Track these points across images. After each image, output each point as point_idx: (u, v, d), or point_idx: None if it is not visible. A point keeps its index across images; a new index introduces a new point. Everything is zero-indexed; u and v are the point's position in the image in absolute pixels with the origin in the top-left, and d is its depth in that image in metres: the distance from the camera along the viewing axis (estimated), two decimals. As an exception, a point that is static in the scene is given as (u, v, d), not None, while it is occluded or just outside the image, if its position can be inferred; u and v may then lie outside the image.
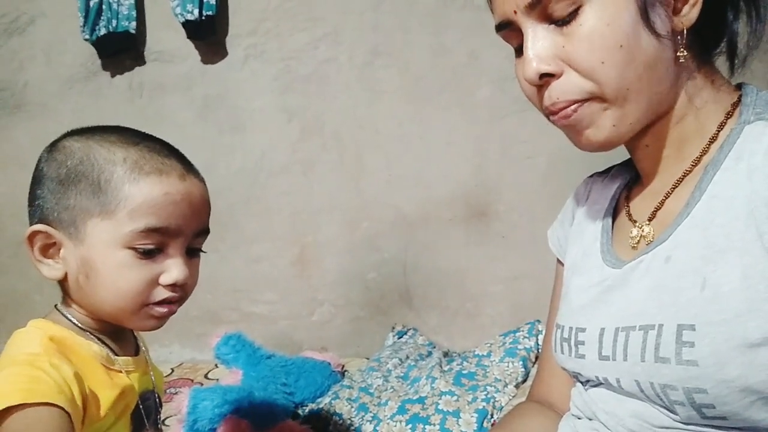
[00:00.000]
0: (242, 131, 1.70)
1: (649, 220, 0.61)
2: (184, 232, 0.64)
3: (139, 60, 1.74)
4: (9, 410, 0.52)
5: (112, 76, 1.77)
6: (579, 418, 0.63)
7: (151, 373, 0.71)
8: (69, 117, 1.77)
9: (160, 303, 0.64)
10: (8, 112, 1.85)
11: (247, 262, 1.73)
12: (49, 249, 0.63)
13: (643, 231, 0.61)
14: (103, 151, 0.62)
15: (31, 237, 0.63)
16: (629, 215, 0.64)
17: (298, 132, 1.66)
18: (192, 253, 0.67)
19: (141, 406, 0.66)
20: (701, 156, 0.57)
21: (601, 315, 0.59)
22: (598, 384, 0.59)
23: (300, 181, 1.67)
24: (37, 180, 0.64)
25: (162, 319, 0.66)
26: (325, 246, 1.67)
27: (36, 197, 0.64)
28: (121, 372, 0.65)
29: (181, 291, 0.65)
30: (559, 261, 0.78)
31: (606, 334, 0.57)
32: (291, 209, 1.69)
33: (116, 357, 0.65)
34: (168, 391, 1.41)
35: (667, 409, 0.51)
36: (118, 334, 0.68)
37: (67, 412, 0.54)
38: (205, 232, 0.67)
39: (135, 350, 0.71)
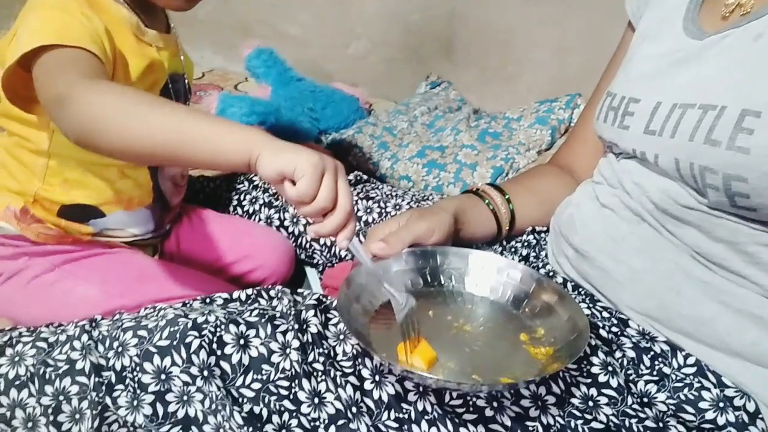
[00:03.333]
0: None
1: None
2: None
3: None
4: (42, 50, 0.51)
5: None
6: (601, 185, 0.63)
7: (182, 57, 0.70)
8: None
9: None
10: None
11: (284, -26, 1.60)
12: None
13: None
14: None
15: None
16: None
17: None
18: None
19: (170, 87, 0.67)
20: None
21: (662, 88, 0.55)
22: (632, 157, 0.58)
23: None
24: None
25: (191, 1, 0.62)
26: (370, -28, 1.53)
27: None
28: (150, 45, 0.64)
29: None
30: (630, 25, 0.70)
31: (661, 108, 0.54)
32: None
33: (147, 29, 0.64)
34: (197, 93, 1.43)
35: (698, 192, 0.51)
36: (149, 9, 0.65)
37: (100, 60, 0.53)
38: None
39: (166, 29, 0.69)
